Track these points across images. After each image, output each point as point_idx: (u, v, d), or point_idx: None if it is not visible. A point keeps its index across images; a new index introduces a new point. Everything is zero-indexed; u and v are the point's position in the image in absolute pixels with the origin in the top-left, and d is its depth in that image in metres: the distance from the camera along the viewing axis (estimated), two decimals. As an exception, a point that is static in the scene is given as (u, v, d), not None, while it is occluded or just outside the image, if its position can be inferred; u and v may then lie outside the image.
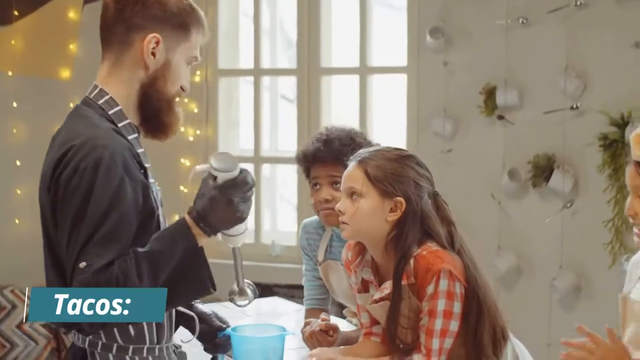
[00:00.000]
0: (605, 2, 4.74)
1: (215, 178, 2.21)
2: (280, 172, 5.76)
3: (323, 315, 2.90)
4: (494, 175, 4.92)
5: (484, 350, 2.45)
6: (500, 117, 4.91)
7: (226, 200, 2.21)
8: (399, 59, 5.33)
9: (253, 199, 2.28)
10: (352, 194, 2.49)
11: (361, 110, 5.36)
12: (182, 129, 5.45)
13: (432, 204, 2.51)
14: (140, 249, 2.18)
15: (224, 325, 2.52)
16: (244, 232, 2.33)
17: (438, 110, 5.09)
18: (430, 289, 2.42)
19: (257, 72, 5.60)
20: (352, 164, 2.53)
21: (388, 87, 5.53)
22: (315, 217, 3.13)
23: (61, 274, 2.23)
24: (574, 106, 4.73)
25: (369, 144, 2.92)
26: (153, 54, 2.31)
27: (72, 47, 5.58)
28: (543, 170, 4.82)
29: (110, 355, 2.27)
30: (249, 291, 2.37)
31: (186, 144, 5.54)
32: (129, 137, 2.30)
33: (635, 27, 4.61)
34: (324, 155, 2.94)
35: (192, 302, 2.53)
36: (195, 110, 5.58)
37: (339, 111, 5.52)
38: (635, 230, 2.18)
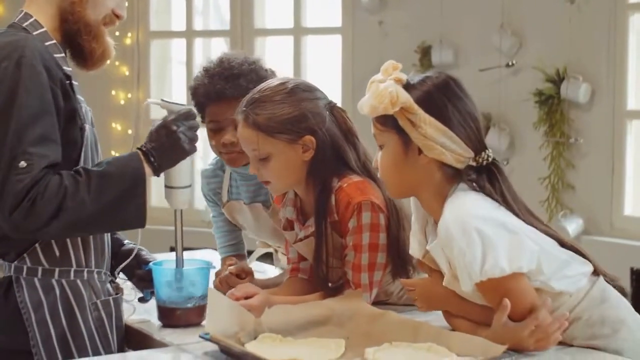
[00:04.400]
0: (540, -41, 4.73)
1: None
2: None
3: (230, 261, 2.80)
4: (430, 135, 4.89)
5: (409, 260, 2.37)
6: (436, 76, 4.88)
7: (168, 129, 2.24)
8: (334, 19, 5.27)
9: (199, 142, 2.30)
10: (259, 159, 2.38)
11: (295, 72, 5.31)
12: (112, 92, 5.43)
13: (331, 119, 2.40)
14: (91, 168, 2.18)
15: (150, 259, 2.46)
16: (186, 189, 2.35)
17: (373, 71, 4.97)
18: (352, 223, 2.34)
19: (190, 34, 5.50)
20: (241, 122, 2.38)
21: (323, 48, 5.48)
22: (212, 163, 2.96)
23: None
24: (510, 63, 4.72)
25: (268, 72, 2.69)
26: None
27: (-2, 7, 5.44)
28: (479, 129, 4.80)
29: (36, 280, 2.22)
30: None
31: (117, 107, 5.43)
32: (55, 55, 2.24)
33: (570, -18, 4.60)
34: (230, 95, 2.62)
35: (124, 242, 2.52)
36: (127, 74, 5.47)
37: (273, 73, 5.44)
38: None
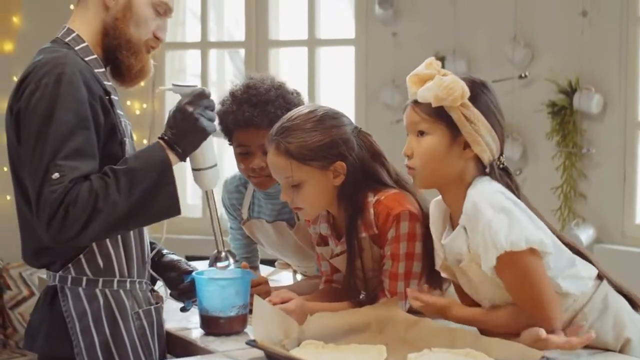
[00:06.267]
0: (552, -29, 4.80)
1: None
2: (228, 147, 5.70)
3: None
4: (444, 145, 4.93)
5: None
6: (449, 87, 4.92)
7: (184, 112, 2.25)
8: (348, 31, 5.32)
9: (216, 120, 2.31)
10: (291, 185, 2.43)
11: (310, 82, 5.35)
12: (128, 103, 5.48)
13: (359, 143, 2.46)
14: (117, 167, 2.19)
15: (190, 269, 2.50)
16: (213, 168, 2.34)
17: (387, 81, 5.10)
18: (391, 233, 2.40)
19: (204, 45, 5.55)
20: (272, 150, 2.42)
21: (337, 59, 5.53)
22: (235, 174, 2.98)
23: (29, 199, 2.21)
24: (522, 75, 4.77)
25: (294, 95, 2.75)
26: None
27: (15, 19, 5.47)
28: (492, 139, 4.85)
29: (80, 290, 2.26)
30: (228, 256, 2.45)
31: (133, 118, 5.45)
32: (96, 70, 2.29)
33: (582, -5, 4.67)
34: (259, 122, 2.66)
35: (164, 252, 2.54)
36: (142, 84, 5.50)
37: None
38: (408, 169, 2.21)
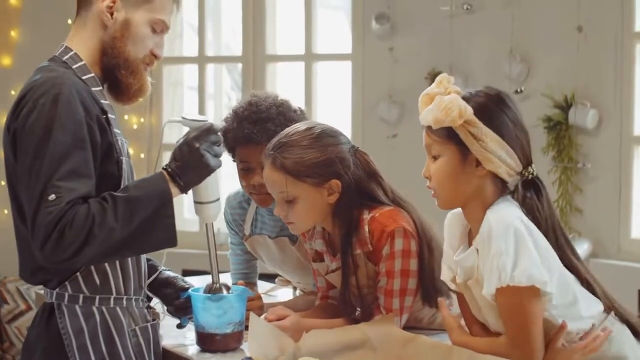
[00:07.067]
0: (547, -13, 4.82)
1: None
2: (228, 160, 5.72)
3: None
4: (440, 160, 4.94)
5: (439, 286, 2.41)
6: (446, 102, 4.94)
7: (190, 146, 2.24)
8: (344, 46, 5.34)
9: (223, 157, 2.30)
10: (286, 200, 2.45)
11: (307, 97, 5.37)
12: (125, 117, 5.49)
13: (355, 162, 2.48)
14: (117, 193, 2.19)
15: (187, 286, 2.50)
16: (215, 203, 2.35)
17: (383, 96, 5.12)
18: (385, 250, 2.42)
19: (202, 60, 5.57)
20: (268, 165, 2.45)
21: (333, 73, 5.54)
22: (239, 190, 2.99)
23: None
24: (518, 90, 4.78)
25: (296, 113, 2.77)
26: (111, 13, 2.33)
27: (13, 33, 5.49)
28: (488, 154, 4.86)
29: (77, 307, 2.27)
30: (222, 288, 2.44)
31: (130, 132, 5.48)
32: (93, 89, 2.30)
33: (577, 11, 4.67)
34: (258, 139, 2.69)
35: (160, 268, 2.55)
36: (139, 99, 5.52)
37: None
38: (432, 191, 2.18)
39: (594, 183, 4.77)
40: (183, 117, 2.31)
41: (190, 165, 2.24)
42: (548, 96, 4.74)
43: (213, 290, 2.43)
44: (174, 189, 2.24)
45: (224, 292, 2.43)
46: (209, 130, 2.28)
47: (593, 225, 4.78)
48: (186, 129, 2.30)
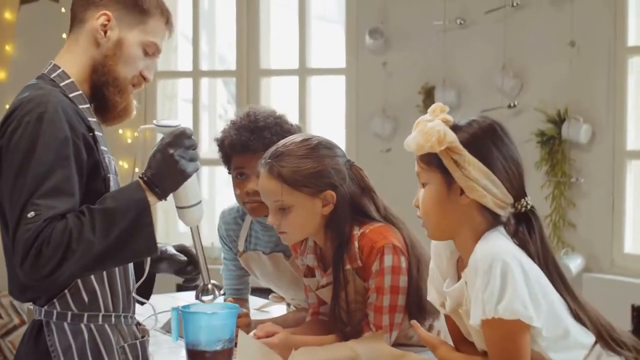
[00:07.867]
0: (540, 2, 4.83)
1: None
2: (220, 175, 5.74)
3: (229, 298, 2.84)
4: (433, 174, 4.95)
5: (425, 304, 2.41)
6: (439, 117, 4.95)
7: (164, 153, 2.20)
8: (338, 60, 5.36)
9: (199, 161, 2.28)
10: (280, 208, 2.46)
11: (300, 111, 5.38)
12: (120, 132, 5.50)
13: (350, 176, 2.49)
14: (93, 206, 2.17)
15: (181, 258, 2.53)
16: (197, 206, 2.32)
17: (377, 111, 5.13)
18: (375, 266, 2.42)
19: (196, 74, 5.58)
20: (265, 173, 2.45)
21: (327, 88, 5.56)
22: (233, 206, 3.00)
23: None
24: (512, 104, 4.80)
25: (293, 127, 2.79)
26: (105, 31, 2.33)
27: (7, 48, 5.49)
28: (482, 168, 4.87)
29: (66, 324, 2.26)
30: (214, 289, 2.41)
31: (124, 146, 5.49)
32: (80, 106, 2.30)
33: (570, 26, 4.69)
34: (255, 147, 2.70)
35: (147, 267, 2.49)
36: (134, 114, 5.53)
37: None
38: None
39: (587, 197, 4.78)
40: (155, 124, 2.28)
41: (165, 173, 2.20)
42: (541, 111, 4.75)
43: (204, 291, 2.42)
44: (151, 197, 2.21)
45: (216, 292, 2.42)
46: (182, 134, 2.22)
47: (586, 239, 4.78)
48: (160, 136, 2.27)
